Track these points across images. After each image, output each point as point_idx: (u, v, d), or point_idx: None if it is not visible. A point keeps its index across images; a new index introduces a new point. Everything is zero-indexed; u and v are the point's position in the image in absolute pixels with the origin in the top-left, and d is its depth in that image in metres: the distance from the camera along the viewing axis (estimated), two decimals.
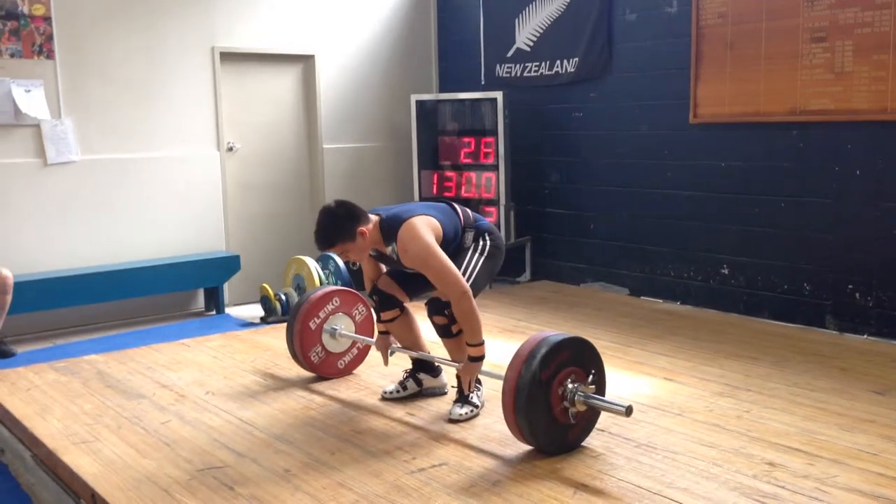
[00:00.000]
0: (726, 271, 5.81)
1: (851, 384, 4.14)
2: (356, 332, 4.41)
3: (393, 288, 3.93)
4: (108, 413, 3.94)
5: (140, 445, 3.52)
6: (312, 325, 4.29)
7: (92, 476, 3.21)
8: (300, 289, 6.38)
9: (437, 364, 4.07)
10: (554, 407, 3.27)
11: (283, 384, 4.35)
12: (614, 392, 4.07)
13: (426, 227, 3.64)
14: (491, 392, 3.84)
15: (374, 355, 4.66)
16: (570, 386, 3.29)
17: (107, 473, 3.23)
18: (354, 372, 4.49)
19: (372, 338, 4.25)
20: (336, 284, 6.45)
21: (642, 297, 6.31)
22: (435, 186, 7.17)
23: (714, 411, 3.81)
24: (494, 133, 6.75)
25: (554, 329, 5.26)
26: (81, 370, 4.66)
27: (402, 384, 4.07)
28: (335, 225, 3.61)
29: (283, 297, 6.26)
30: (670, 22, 6.00)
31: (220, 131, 6.76)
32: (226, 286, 6.68)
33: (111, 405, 4.05)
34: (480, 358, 3.66)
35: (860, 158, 5.08)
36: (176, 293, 6.57)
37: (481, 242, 3.85)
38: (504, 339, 4.98)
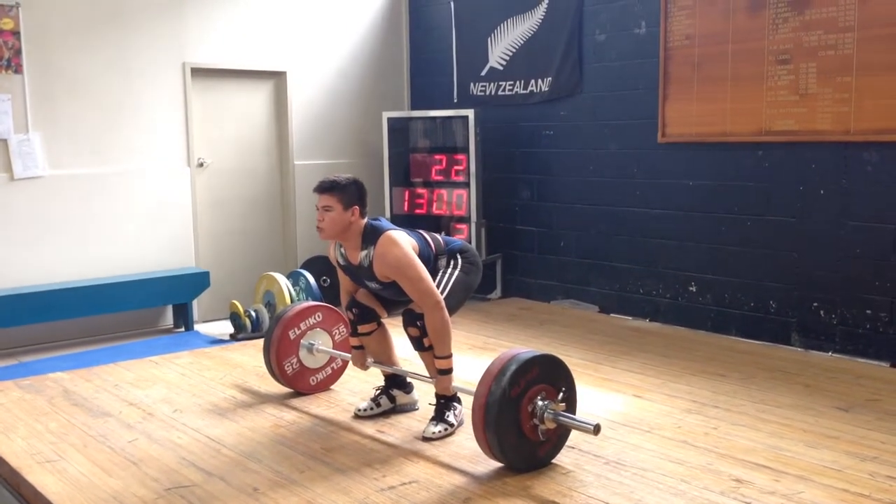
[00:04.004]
0: (694, 289, 5.88)
1: (816, 401, 4.20)
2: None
3: (371, 301, 3.93)
4: (73, 431, 3.89)
5: (106, 464, 3.47)
6: (291, 335, 4.28)
7: (57, 496, 3.16)
8: (270, 305, 6.35)
9: (409, 380, 4.08)
10: (524, 424, 3.28)
11: (252, 402, 4.32)
12: (584, 409, 4.09)
13: (407, 241, 3.69)
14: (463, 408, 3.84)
15: (348, 374, 4.65)
16: (539, 403, 3.30)
17: (72, 493, 3.19)
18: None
19: (349, 355, 4.25)
20: (307, 301, 6.45)
21: (612, 315, 6.35)
22: (406, 203, 7.18)
23: (682, 428, 3.84)
24: (466, 150, 6.79)
25: (524, 346, 5.28)
26: (47, 388, 4.60)
27: (375, 401, 4.06)
28: (345, 185, 3.67)
29: (253, 314, 6.22)
30: (639, 43, 6.08)
31: (191, 147, 6.72)
32: (195, 303, 6.63)
33: (77, 423, 4.00)
34: (448, 371, 3.67)
35: (824, 178, 5.17)
36: (144, 310, 6.51)
37: (453, 261, 3.88)
38: (474, 355, 4.99)
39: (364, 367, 4.06)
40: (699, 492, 3.15)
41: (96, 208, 6.29)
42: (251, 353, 5.31)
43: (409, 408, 4.09)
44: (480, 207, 6.81)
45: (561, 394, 3.37)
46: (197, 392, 4.51)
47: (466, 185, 6.81)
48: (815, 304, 5.24)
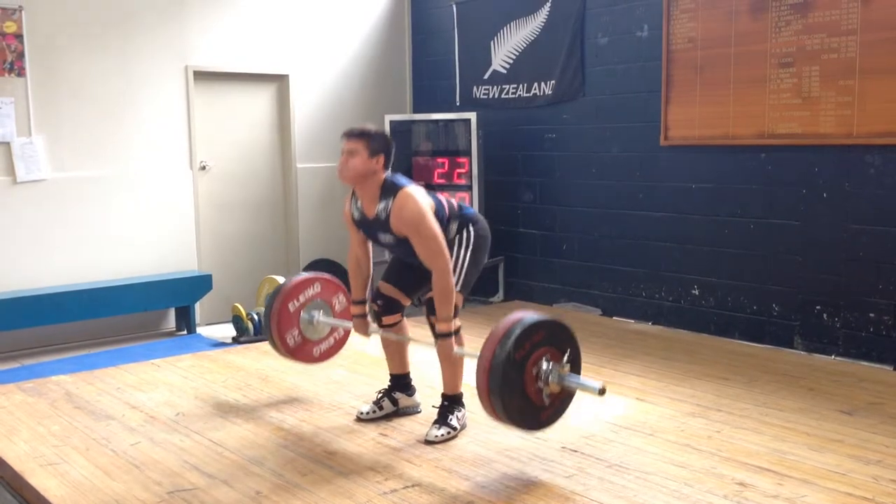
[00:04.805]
0: (697, 292, 5.87)
1: (820, 404, 4.19)
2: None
3: (394, 292, 3.93)
4: (76, 434, 3.88)
5: (108, 467, 3.47)
6: (291, 308, 4.24)
7: (59, 499, 3.16)
8: None
9: (412, 383, 4.08)
10: (528, 387, 3.23)
11: (254, 405, 4.32)
12: (586, 411, 4.09)
13: (425, 199, 3.69)
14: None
15: (350, 376, 4.64)
16: (544, 366, 3.25)
17: (74, 496, 3.18)
18: (326, 391, 4.47)
19: (350, 324, 4.19)
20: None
21: (614, 318, 6.35)
22: None
23: (685, 431, 3.83)
24: (468, 154, 6.79)
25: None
26: (49, 391, 4.60)
27: (378, 404, 4.05)
28: (374, 134, 3.72)
29: (256, 317, 6.22)
30: (641, 46, 6.08)
31: (193, 150, 6.73)
32: (197, 306, 6.63)
33: (79, 426, 4.00)
34: (448, 334, 3.63)
35: (827, 181, 5.17)
36: (146, 312, 6.51)
37: (465, 234, 3.83)
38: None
39: (366, 333, 4.04)
40: (702, 495, 3.14)
41: (99, 211, 6.29)
42: (254, 357, 5.31)
43: (412, 410, 4.08)
44: (483, 210, 6.80)
45: (566, 357, 3.31)
46: (199, 395, 4.51)
47: (469, 188, 6.81)
48: (818, 308, 5.23)
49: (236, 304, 6.29)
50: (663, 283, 6.07)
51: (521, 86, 6.97)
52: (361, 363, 5.05)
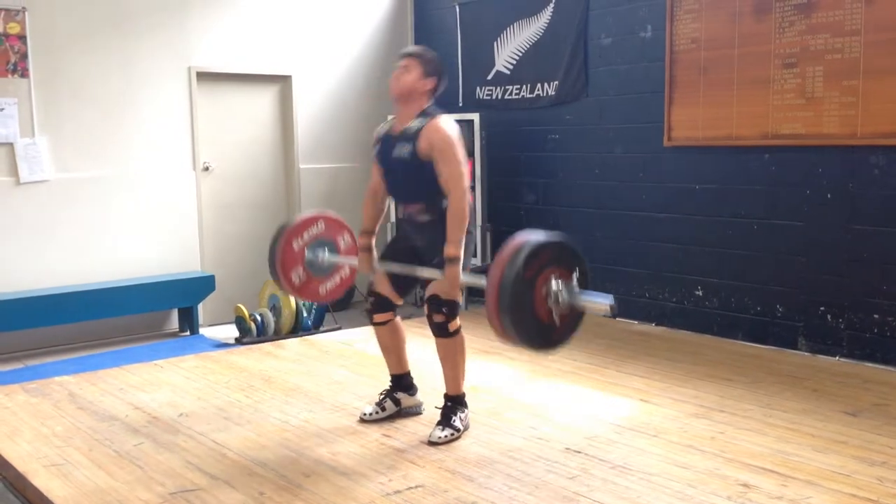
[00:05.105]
0: (700, 293, 5.86)
1: (824, 405, 4.18)
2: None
3: (386, 289, 3.93)
4: (79, 435, 3.88)
5: (111, 468, 3.47)
6: (295, 246, 4.19)
7: (62, 499, 3.16)
8: (276, 309, 6.35)
9: (414, 383, 4.08)
10: (538, 307, 3.17)
11: (257, 406, 4.32)
12: (590, 412, 4.09)
13: (459, 137, 3.71)
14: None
15: (352, 376, 4.63)
16: (554, 285, 3.19)
17: (77, 496, 3.18)
18: (329, 392, 4.47)
19: (355, 261, 4.16)
20: (312, 306, 6.45)
21: (617, 318, 6.33)
22: None
23: (689, 432, 3.82)
24: (471, 155, 6.78)
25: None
26: (52, 391, 4.60)
27: (380, 405, 4.05)
28: (432, 58, 3.82)
29: (259, 318, 6.22)
30: (644, 46, 6.08)
31: (196, 151, 6.73)
32: (200, 306, 6.63)
33: (82, 427, 4.00)
34: (456, 259, 3.58)
35: (831, 182, 5.16)
36: (149, 313, 6.52)
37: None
38: (480, 359, 4.98)
39: (371, 270, 4.01)
40: (706, 496, 3.13)
41: (102, 212, 6.30)
42: (256, 357, 5.31)
43: (415, 411, 4.08)
44: (486, 211, 6.80)
45: (575, 275, 3.25)
46: (202, 396, 4.51)
47: (472, 188, 6.78)
48: (822, 309, 5.22)
49: (239, 305, 6.29)
50: (666, 283, 6.06)
51: (524, 87, 6.96)
52: (364, 364, 5.05)
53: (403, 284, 3.95)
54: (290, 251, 4.19)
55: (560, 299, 3.18)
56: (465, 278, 3.63)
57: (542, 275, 3.17)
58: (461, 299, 3.78)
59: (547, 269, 3.19)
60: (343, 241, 4.34)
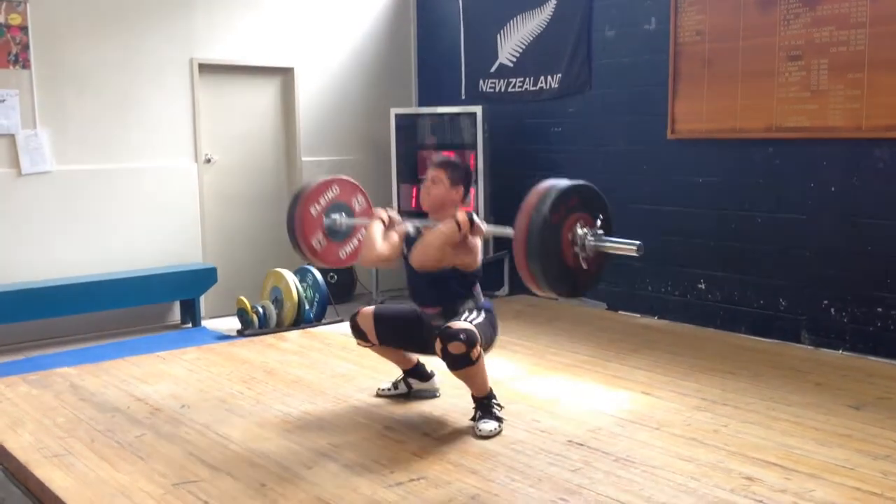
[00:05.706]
0: (703, 286, 5.84)
1: (827, 399, 4.17)
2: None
3: (368, 326, 3.98)
4: (81, 426, 3.88)
5: (113, 459, 3.47)
6: (313, 212, 4.19)
7: (64, 490, 3.15)
8: (278, 302, 6.34)
9: (430, 369, 4.16)
10: (565, 252, 3.18)
11: (259, 397, 4.31)
12: (592, 405, 4.08)
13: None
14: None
15: (355, 375, 4.62)
16: (579, 230, 3.19)
17: (79, 488, 3.18)
18: (331, 384, 4.46)
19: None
20: (314, 298, 6.44)
21: (620, 312, 6.33)
22: (414, 200, 7.16)
23: (692, 425, 3.81)
24: (474, 147, 6.77)
25: (532, 343, 5.27)
26: (54, 383, 4.59)
27: (395, 384, 4.20)
28: (459, 164, 3.90)
29: (261, 310, 6.21)
30: (648, 39, 6.05)
31: (198, 143, 6.72)
32: (202, 298, 6.63)
33: (84, 418, 3.99)
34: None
35: (835, 175, 5.14)
36: (151, 305, 6.51)
37: (477, 311, 3.80)
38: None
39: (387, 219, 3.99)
40: (709, 489, 3.12)
41: (103, 204, 6.29)
42: (258, 349, 5.30)
43: (429, 394, 4.14)
44: (488, 204, 6.79)
45: (599, 220, 3.25)
46: (204, 388, 4.51)
47: (475, 182, 6.78)
48: (826, 302, 5.20)
49: (241, 297, 6.28)
50: (669, 277, 6.05)
51: (527, 79, 6.94)
52: (367, 356, 5.01)
53: (393, 336, 3.98)
54: (309, 217, 4.17)
55: (586, 243, 3.19)
56: (490, 228, 3.65)
57: (568, 220, 3.17)
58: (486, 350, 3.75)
59: (573, 215, 3.19)
60: (357, 203, 4.35)
